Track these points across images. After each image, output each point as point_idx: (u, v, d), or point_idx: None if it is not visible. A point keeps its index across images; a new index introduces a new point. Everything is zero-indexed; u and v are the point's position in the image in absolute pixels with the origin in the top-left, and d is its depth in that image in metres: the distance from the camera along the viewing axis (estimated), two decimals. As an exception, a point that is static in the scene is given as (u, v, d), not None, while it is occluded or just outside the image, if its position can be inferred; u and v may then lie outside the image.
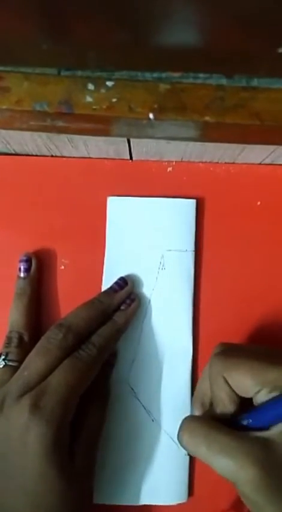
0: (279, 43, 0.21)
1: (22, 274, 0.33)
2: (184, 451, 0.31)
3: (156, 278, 0.34)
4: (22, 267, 0.33)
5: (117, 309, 0.32)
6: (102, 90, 0.25)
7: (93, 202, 0.35)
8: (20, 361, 0.29)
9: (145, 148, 0.34)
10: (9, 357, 0.29)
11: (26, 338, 0.31)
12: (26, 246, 0.35)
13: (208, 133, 0.27)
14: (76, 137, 0.31)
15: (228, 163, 0.36)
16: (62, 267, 0.35)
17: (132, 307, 0.32)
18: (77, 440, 0.27)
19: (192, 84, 0.25)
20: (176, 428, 0.31)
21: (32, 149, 0.35)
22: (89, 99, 0.25)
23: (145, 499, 0.30)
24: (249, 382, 0.23)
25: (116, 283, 0.32)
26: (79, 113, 0.25)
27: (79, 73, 0.25)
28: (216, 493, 0.31)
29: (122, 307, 0.32)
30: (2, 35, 0.21)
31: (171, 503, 0.30)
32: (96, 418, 0.29)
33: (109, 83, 0.25)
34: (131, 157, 0.36)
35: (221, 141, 0.29)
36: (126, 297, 0.32)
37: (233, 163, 0.36)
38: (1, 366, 0.29)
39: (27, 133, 0.31)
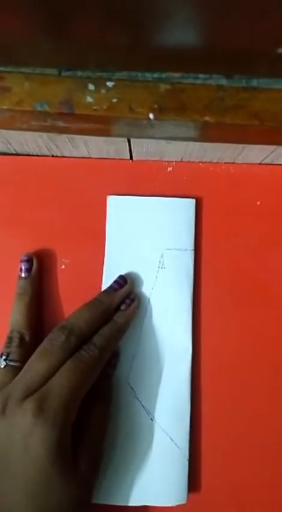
0: (279, 43, 0.21)
1: (23, 274, 0.33)
2: (184, 452, 0.31)
3: (156, 277, 0.34)
4: (23, 267, 0.33)
5: (118, 308, 0.32)
6: (103, 91, 0.25)
7: (94, 201, 0.35)
8: (21, 361, 0.29)
9: (145, 148, 0.34)
10: (11, 357, 0.29)
11: (27, 338, 0.31)
12: (27, 246, 0.35)
13: (208, 134, 0.27)
14: (77, 137, 0.32)
15: (228, 163, 0.37)
16: (63, 267, 0.35)
17: (133, 307, 0.32)
18: (80, 442, 0.27)
19: (192, 85, 0.25)
20: (175, 428, 0.31)
21: (33, 149, 0.35)
22: (89, 99, 0.25)
23: (144, 500, 0.30)
24: None
25: (115, 281, 0.33)
26: (79, 113, 0.25)
27: (79, 73, 0.25)
28: (216, 495, 0.31)
29: (122, 307, 0.32)
30: (3, 36, 0.22)
31: (170, 505, 0.30)
32: (99, 418, 0.29)
33: (109, 83, 0.25)
34: (131, 157, 0.36)
35: (221, 141, 0.29)
36: (126, 296, 0.32)
37: (233, 163, 0.37)
38: (2, 366, 0.29)
39: (27, 133, 0.31)
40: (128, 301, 0.32)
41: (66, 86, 0.25)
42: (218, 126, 0.25)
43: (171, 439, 0.31)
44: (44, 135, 0.31)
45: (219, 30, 0.20)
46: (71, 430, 0.26)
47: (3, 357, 0.29)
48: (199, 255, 0.35)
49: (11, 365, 0.29)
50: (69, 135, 0.31)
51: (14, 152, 0.36)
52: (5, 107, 0.25)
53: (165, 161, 0.36)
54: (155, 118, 0.25)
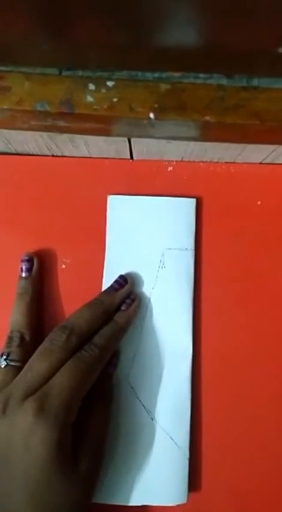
0: (279, 42, 0.21)
1: (24, 274, 0.33)
2: (184, 451, 0.31)
3: (157, 276, 0.34)
4: (24, 267, 0.33)
5: (119, 307, 0.32)
6: (103, 90, 0.25)
7: (94, 201, 0.35)
8: (22, 360, 0.29)
9: (146, 148, 0.34)
10: (11, 357, 0.29)
11: (27, 338, 0.31)
12: (27, 246, 0.35)
13: (208, 133, 0.27)
14: (77, 137, 0.32)
15: (229, 162, 0.37)
16: (63, 266, 0.35)
17: (133, 306, 0.32)
18: (81, 441, 0.27)
19: (192, 84, 0.25)
20: (175, 427, 0.31)
21: (33, 149, 0.35)
22: (89, 99, 0.25)
23: (144, 500, 0.30)
24: None
25: (116, 281, 0.33)
26: (80, 113, 0.25)
27: (80, 73, 0.25)
28: (216, 494, 0.31)
29: (123, 307, 0.32)
30: (3, 35, 0.22)
31: (170, 504, 0.30)
32: (100, 418, 0.29)
33: (110, 83, 0.25)
34: (131, 157, 0.36)
35: (221, 141, 0.29)
36: (127, 296, 0.32)
37: (233, 162, 0.37)
38: (2, 366, 0.29)
39: (28, 133, 0.31)
40: (128, 301, 0.32)
41: (66, 86, 0.25)
42: (218, 126, 0.25)
43: (171, 438, 0.31)
44: (45, 134, 0.31)
45: (220, 30, 0.20)
46: (72, 430, 0.26)
47: (4, 357, 0.29)
48: (199, 254, 0.35)
49: (12, 365, 0.29)
50: (70, 135, 0.31)
51: (15, 152, 0.36)
52: (5, 107, 0.25)
53: (165, 161, 0.36)
54: (156, 118, 0.25)
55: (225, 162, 0.36)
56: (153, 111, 0.25)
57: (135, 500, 0.30)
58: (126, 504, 0.30)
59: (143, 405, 0.32)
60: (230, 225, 0.35)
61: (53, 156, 0.37)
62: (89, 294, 0.32)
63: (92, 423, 0.28)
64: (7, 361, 0.29)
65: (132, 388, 0.32)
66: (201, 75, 0.25)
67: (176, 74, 0.25)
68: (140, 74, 0.25)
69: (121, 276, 0.33)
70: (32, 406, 0.25)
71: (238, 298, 0.34)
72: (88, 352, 0.28)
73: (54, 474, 0.25)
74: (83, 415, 0.27)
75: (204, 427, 0.32)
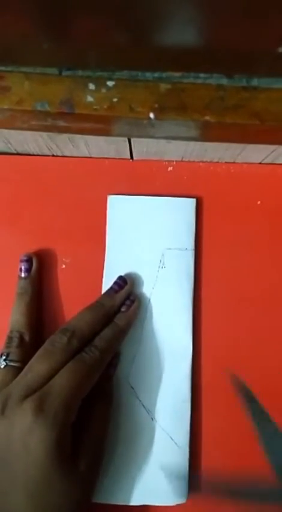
0: (279, 42, 0.21)
1: (23, 274, 0.33)
2: (184, 451, 0.31)
3: (157, 276, 0.34)
4: (23, 267, 0.33)
5: (119, 309, 0.32)
6: (103, 90, 0.25)
7: (94, 201, 0.35)
8: (21, 361, 0.29)
9: (146, 148, 0.34)
10: (10, 357, 0.29)
11: (27, 338, 0.31)
12: (27, 245, 0.35)
13: (208, 133, 0.27)
14: (77, 137, 0.32)
15: (229, 162, 0.37)
16: (63, 266, 0.35)
17: (133, 308, 0.32)
18: (81, 441, 0.27)
19: (192, 84, 0.25)
20: (175, 427, 0.31)
21: (33, 149, 0.35)
22: (90, 98, 0.25)
23: (144, 499, 0.30)
24: None
25: (115, 283, 0.33)
26: (80, 113, 0.25)
27: (80, 73, 0.25)
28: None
29: (123, 309, 0.32)
30: (3, 35, 0.22)
31: (170, 504, 0.30)
32: (100, 418, 0.29)
33: (110, 83, 0.25)
34: (131, 157, 0.36)
35: (221, 141, 0.29)
36: (127, 297, 0.32)
37: (233, 162, 0.37)
38: (2, 366, 0.29)
39: (28, 133, 0.31)
40: (128, 302, 0.32)
41: (66, 86, 0.25)
42: (218, 126, 0.25)
43: (171, 438, 0.31)
44: (45, 134, 0.31)
45: (220, 30, 0.20)
46: (71, 430, 0.26)
47: (3, 357, 0.29)
48: (199, 254, 0.35)
49: (11, 365, 0.29)
50: (70, 135, 0.31)
51: (15, 152, 0.36)
52: (5, 107, 0.25)
53: (165, 161, 0.36)
54: (156, 117, 0.25)
55: (225, 162, 0.37)
56: (153, 111, 0.25)
57: (135, 500, 0.30)
58: (126, 504, 0.30)
59: (143, 405, 0.32)
60: (230, 225, 0.35)
61: (53, 156, 0.37)
62: (89, 294, 0.32)
63: (92, 423, 0.28)
64: (7, 361, 0.29)
65: (132, 388, 0.32)
66: (201, 75, 0.25)
67: (176, 74, 0.25)
68: (140, 73, 0.25)
69: (120, 277, 0.33)
70: (31, 405, 0.25)
71: (238, 298, 0.34)
72: (89, 354, 0.28)
73: (53, 474, 0.25)
74: (83, 415, 0.27)
75: (204, 427, 0.32)
